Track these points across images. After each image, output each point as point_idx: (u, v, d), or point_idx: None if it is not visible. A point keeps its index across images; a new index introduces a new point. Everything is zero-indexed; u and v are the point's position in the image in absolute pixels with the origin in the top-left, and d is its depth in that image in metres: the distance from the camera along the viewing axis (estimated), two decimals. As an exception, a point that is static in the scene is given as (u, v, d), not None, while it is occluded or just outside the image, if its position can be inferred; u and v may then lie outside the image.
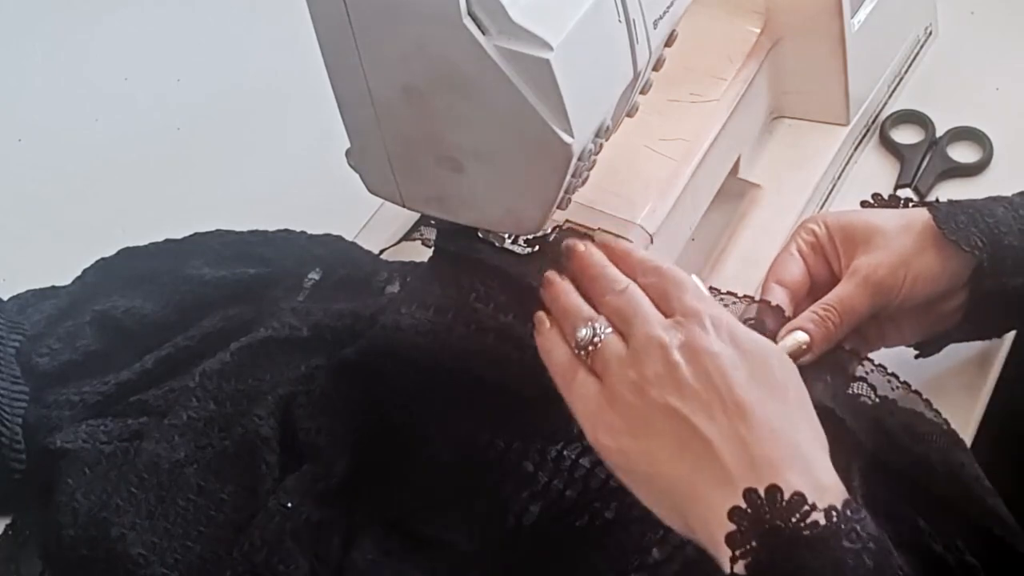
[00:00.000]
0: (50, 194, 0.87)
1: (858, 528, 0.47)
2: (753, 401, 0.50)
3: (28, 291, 0.77)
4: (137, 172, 0.90)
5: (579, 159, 0.54)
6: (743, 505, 0.48)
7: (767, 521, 0.47)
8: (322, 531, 0.60)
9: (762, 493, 0.48)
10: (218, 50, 0.99)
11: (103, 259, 0.77)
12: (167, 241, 0.77)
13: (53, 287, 0.77)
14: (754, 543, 0.47)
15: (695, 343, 0.52)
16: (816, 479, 0.48)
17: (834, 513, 0.47)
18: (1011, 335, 0.70)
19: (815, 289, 0.64)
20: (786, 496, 0.47)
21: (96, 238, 0.79)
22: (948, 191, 0.80)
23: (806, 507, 0.47)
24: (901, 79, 0.88)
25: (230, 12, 1.02)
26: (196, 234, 0.78)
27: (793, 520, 0.47)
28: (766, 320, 0.62)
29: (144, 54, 1.00)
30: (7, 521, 0.67)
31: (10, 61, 1.01)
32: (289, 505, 0.60)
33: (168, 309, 0.73)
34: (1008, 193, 0.65)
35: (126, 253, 0.77)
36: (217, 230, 0.78)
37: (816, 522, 0.47)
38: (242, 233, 0.78)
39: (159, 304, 0.73)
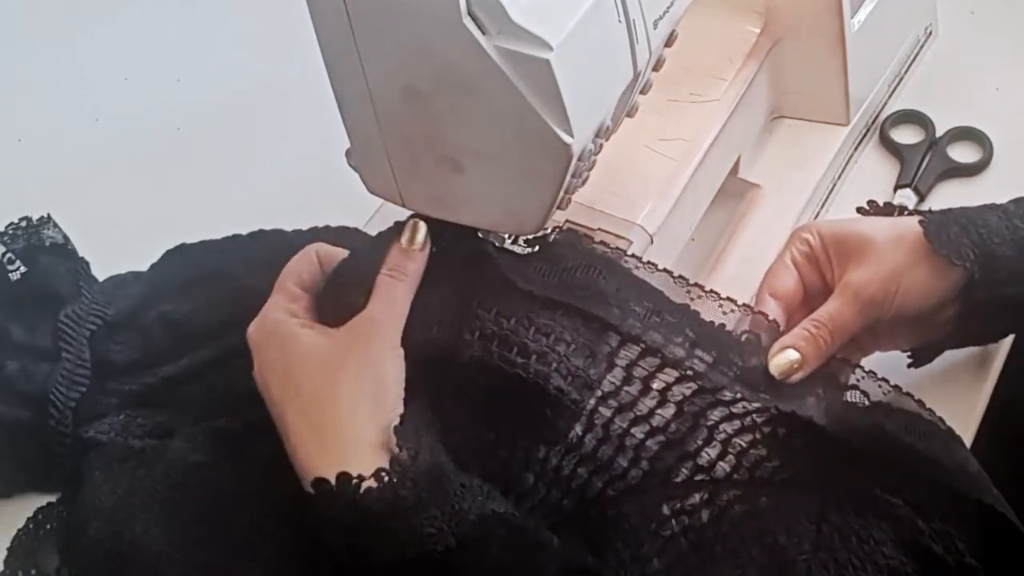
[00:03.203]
0: (50, 194, 0.87)
1: (410, 473, 0.54)
2: (280, 416, 0.58)
3: (129, 272, 0.77)
4: (137, 172, 0.90)
5: (579, 159, 0.54)
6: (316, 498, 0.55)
7: (332, 507, 0.54)
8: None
9: (311, 489, 0.55)
10: (218, 50, 0.99)
11: (183, 245, 0.77)
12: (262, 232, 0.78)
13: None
14: (337, 527, 0.54)
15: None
16: (357, 452, 0.55)
17: (383, 473, 0.54)
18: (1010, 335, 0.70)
19: (809, 298, 0.65)
20: (332, 482, 0.54)
21: (96, 238, 0.79)
22: (948, 191, 0.80)
23: (355, 481, 0.53)
24: (901, 79, 0.88)
25: (230, 12, 1.02)
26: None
27: (348, 496, 0.53)
28: (760, 334, 0.62)
29: (144, 54, 1.00)
30: (27, 514, 0.66)
31: (10, 61, 1.01)
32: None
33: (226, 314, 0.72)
34: (1008, 194, 0.65)
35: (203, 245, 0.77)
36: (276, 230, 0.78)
37: (370, 488, 0.53)
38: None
39: (221, 311, 0.73)
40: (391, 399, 0.57)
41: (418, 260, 0.60)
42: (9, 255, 0.75)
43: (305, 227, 0.77)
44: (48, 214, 0.77)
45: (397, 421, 0.56)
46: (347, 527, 0.54)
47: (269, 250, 0.74)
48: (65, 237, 0.77)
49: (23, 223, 0.77)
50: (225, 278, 0.74)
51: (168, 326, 0.72)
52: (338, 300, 0.61)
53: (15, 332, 0.71)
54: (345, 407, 0.56)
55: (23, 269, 0.75)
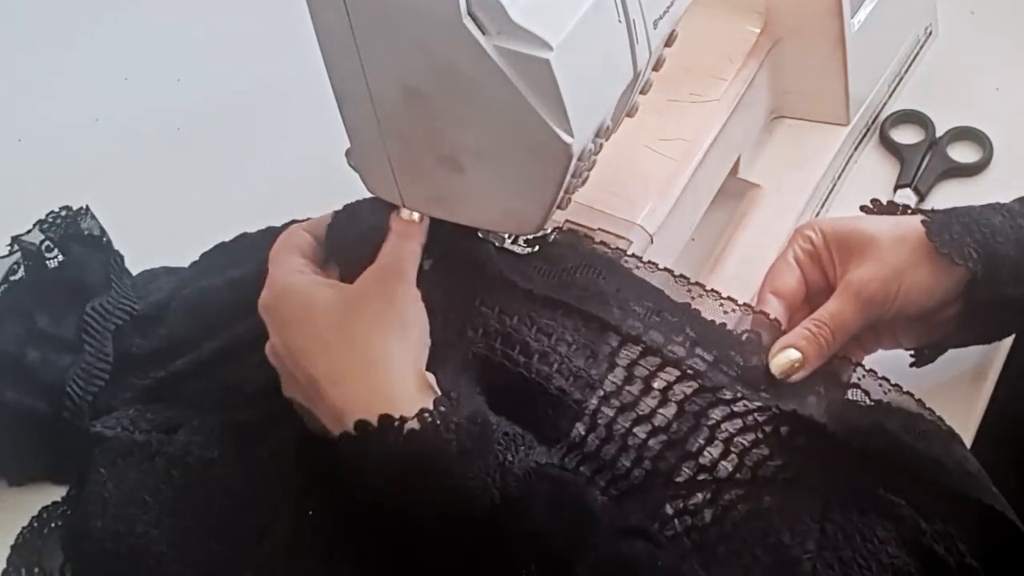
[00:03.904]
0: (50, 194, 0.87)
1: (453, 417, 0.53)
2: (306, 370, 0.57)
3: (161, 267, 0.78)
4: (137, 172, 0.90)
5: (579, 159, 0.54)
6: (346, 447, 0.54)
7: (372, 450, 0.53)
8: (340, 540, 0.60)
9: (353, 431, 0.54)
10: (218, 50, 0.99)
11: (222, 243, 0.77)
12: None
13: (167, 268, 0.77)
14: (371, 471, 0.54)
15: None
16: (394, 391, 0.55)
17: (427, 414, 0.53)
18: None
19: (811, 296, 0.65)
20: (374, 423, 0.53)
21: (95, 238, 0.79)
22: (948, 191, 0.80)
23: (396, 422, 0.53)
24: (901, 79, 0.88)
25: (230, 12, 1.02)
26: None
27: (391, 438, 0.53)
28: (762, 333, 0.62)
29: (144, 54, 1.00)
30: (32, 511, 0.66)
31: (10, 61, 1.01)
32: (311, 513, 0.60)
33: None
34: (1008, 194, 0.65)
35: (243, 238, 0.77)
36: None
37: (413, 429, 0.53)
38: None
39: (239, 293, 0.72)
40: (415, 337, 0.57)
41: (417, 230, 0.61)
42: (47, 243, 0.74)
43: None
44: (87, 206, 0.77)
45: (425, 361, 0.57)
46: (389, 472, 0.53)
47: None
48: (102, 229, 0.77)
49: (63, 212, 0.76)
50: (251, 261, 0.74)
51: (187, 312, 0.72)
52: (345, 260, 0.61)
53: (41, 321, 0.71)
54: (376, 346, 0.56)
55: (61, 258, 0.75)
